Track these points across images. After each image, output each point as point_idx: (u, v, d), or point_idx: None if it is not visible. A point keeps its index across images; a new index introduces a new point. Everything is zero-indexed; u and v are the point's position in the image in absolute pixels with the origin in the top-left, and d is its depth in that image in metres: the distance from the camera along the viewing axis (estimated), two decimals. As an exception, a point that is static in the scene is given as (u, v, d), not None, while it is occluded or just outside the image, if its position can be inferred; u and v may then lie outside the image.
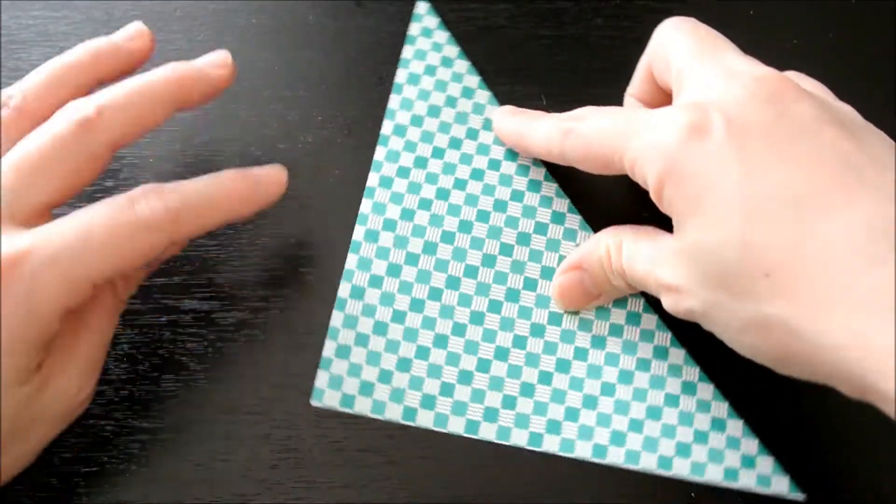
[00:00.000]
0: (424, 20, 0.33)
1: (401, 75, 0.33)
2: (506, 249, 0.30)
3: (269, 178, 0.27)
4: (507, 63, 0.34)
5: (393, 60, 0.34)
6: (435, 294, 0.29)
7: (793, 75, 0.25)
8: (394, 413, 0.28)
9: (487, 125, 0.32)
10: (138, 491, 0.27)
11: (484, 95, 0.32)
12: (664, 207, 0.24)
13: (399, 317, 0.29)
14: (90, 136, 0.25)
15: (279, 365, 0.29)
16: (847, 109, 0.24)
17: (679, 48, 0.25)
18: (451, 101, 0.32)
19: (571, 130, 0.26)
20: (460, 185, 0.31)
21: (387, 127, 0.32)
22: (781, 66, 0.25)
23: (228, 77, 0.28)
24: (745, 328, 0.22)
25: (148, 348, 0.29)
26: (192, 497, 0.27)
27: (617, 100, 0.32)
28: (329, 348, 0.28)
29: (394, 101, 0.32)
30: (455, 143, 0.31)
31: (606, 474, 0.27)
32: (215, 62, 0.28)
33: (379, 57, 0.34)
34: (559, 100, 0.33)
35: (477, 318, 0.29)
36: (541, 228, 0.30)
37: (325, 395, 0.28)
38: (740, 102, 0.23)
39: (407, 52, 0.33)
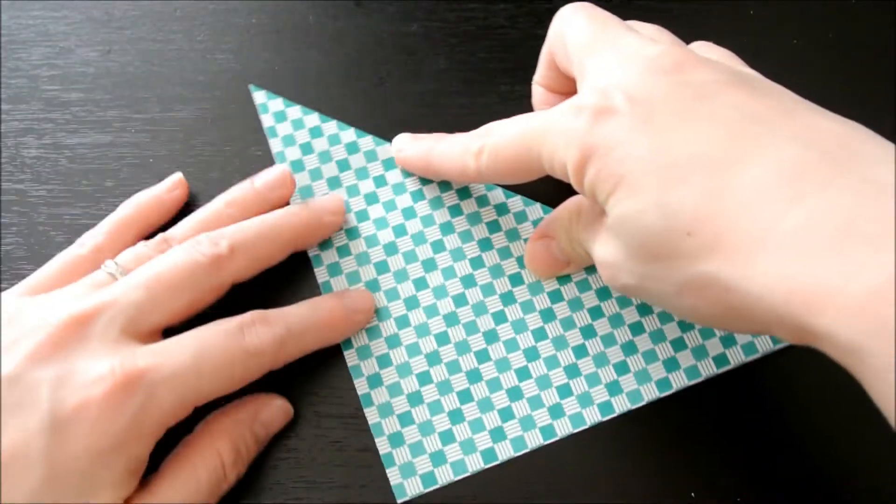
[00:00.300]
0: (270, 106, 0.33)
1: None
2: (476, 262, 0.30)
3: (360, 306, 0.29)
4: (507, 63, 0.34)
5: (393, 60, 0.34)
6: (442, 339, 0.29)
7: (697, 46, 0.26)
8: (475, 463, 0.27)
9: (388, 164, 0.32)
10: (138, 491, 0.27)
11: (367, 141, 0.32)
12: (588, 195, 0.24)
13: (425, 378, 0.28)
14: (219, 271, 0.26)
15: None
16: (751, 72, 0.24)
17: (576, 36, 0.25)
18: (343, 165, 0.31)
19: (483, 148, 0.27)
20: (400, 231, 0.30)
21: None
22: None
23: (341, 224, 0.30)
24: (680, 292, 0.22)
25: (148, 348, 0.29)
26: (192, 497, 0.27)
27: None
28: (382, 444, 0.28)
29: (293, 196, 0.31)
30: (372, 198, 0.31)
31: (607, 475, 0.27)
32: (332, 209, 0.30)
33: (379, 57, 0.34)
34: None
35: (491, 336, 0.29)
36: (494, 226, 0.30)
37: (407, 487, 0.27)
38: (640, 79, 0.23)
39: (275, 144, 0.32)
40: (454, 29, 0.34)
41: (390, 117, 0.33)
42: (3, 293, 0.27)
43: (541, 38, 0.28)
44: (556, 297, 0.29)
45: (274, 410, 0.27)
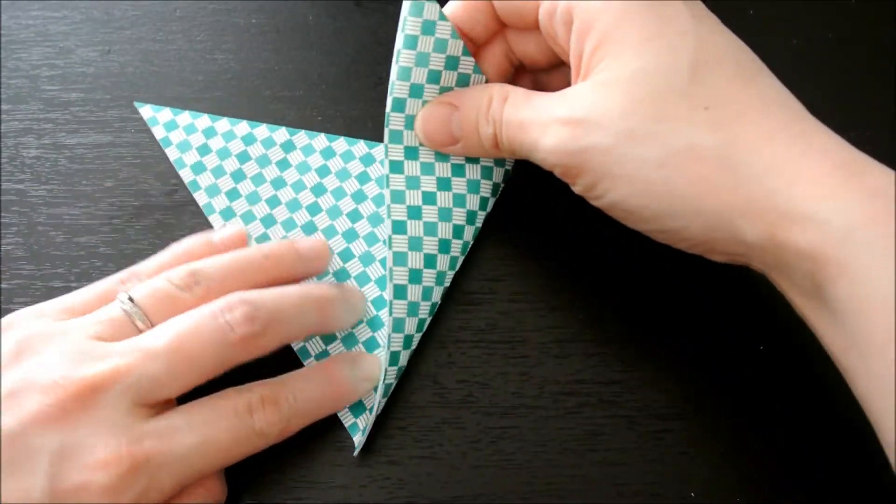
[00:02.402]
0: (159, 118, 0.32)
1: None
2: (374, 219, 0.31)
3: (368, 374, 0.28)
4: (506, 63, 0.34)
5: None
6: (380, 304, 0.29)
7: None
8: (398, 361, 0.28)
9: (287, 147, 0.32)
10: (138, 491, 0.27)
11: (261, 130, 0.32)
12: (585, 42, 0.24)
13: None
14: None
15: (279, 365, 0.29)
16: None
17: None
18: (243, 157, 0.32)
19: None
20: (314, 209, 0.31)
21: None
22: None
23: (362, 312, 0.29)
24: (665, 159, 0.22)
25: (148, 348, 0.29)
26: (192, 497, 0.27)
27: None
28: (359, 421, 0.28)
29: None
30: (279, 183, 0.31)
31: (606, 475, 0.27)
32: (353, 291, 0.29)
33: (378, 57, 0.34)
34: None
35: (382, 282, 0.30)
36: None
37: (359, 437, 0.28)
38: None
39: (171, 153, 0.32)
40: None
41: (390, 117, 0.33)
42: (33, 307, 0.26)
43: (541, 38, 0.28)
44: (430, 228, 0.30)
45: None
